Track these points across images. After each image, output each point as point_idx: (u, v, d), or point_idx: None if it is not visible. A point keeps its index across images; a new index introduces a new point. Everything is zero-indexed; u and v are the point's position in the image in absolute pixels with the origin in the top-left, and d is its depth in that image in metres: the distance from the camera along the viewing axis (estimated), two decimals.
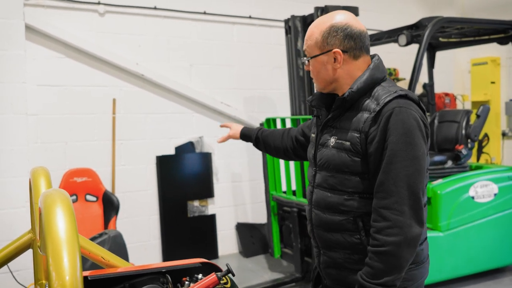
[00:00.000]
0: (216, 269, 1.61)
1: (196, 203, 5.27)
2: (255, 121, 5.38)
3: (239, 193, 5.58)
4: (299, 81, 4.47)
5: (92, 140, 4.76)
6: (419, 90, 6.00)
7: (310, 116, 3.66)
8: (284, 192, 4.52)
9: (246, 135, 2.40)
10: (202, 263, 1.60)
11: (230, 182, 5.52)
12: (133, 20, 4.95)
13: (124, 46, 4.90)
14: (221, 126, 2.58)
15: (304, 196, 4.12)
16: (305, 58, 1.77)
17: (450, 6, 7.22)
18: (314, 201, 1.78)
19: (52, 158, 4.55)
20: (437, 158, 4.44)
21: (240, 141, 2.50)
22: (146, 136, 5.03)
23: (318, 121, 1.85)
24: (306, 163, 3.92)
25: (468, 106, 7.17)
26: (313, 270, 1.99)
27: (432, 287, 4.07)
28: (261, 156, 4.76)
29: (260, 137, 2.32)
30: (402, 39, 4.31)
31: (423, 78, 5.60)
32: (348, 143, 1.65)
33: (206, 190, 5.32)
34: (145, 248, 5.00)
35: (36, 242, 1.63)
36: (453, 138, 4.63)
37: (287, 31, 4.62)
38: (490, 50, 6.77)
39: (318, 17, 4.15)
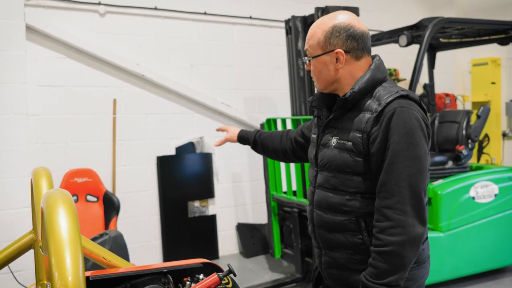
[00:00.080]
0: (217, 269, 1.61)
1: (196, 203, 5.27)
2: (256, 122, 5.38)
3: (239, 194, 5.58)
4: (300, 81, 4.47)
5: (93, 141, 4.76)
6: (419, 90, 6.00)
7: (311, 117, 3.67)
8: (285, 193, 4.52)
9: (243, 138, 2.38)
10: (203, 263, 1.60)
11: (230, 182, 5.53)
12: (133, 21, 4.96)
13: (125, 47, 4.90)
14: (217, 130, 2.56)
15: (305, 196, 4.12)
16: (306, 57, 1.78)
17: (450, 7, 7.22)
18: (316, 202, 1.78)
19: (53, 158, 4.55)
20: (438, 158, 4.44)
21: None
22: (147, 137, 5.03)
23: (319, 122, 1.85)
24: (306, 163, 3.92)
25: (468, 106, 7.17)
26: (313, 271, 1.99)
27: None
28: (261, 156, 4.76)
29: (258, 140, 2.31)
30: (403, 39, 4.32)
31: (424, 78, 5.60)
32: (350, 143, 1.66)
33: (206, 191, 5.32)
34: (145, 249, 5.00)
35: (38, 243, 1.63)
36: (453, 138, 4.64)
37: (288, 32, 4.62)
38: (490, 51, 6.78)
39: (318, 17, 4.15)
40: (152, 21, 5.04)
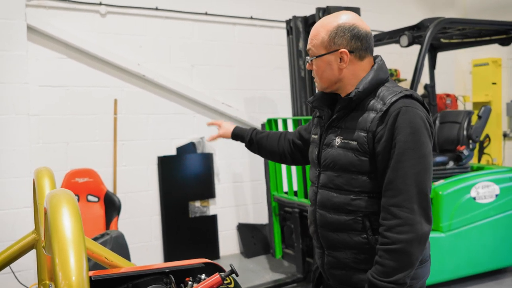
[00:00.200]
0: (219, 269, 1.61)
1: (197, 203, 5.27)
2: (256, 122, 5.38)
3: (240, 194, 5.59)
4: (301, 81, 4.47)
5: (94, 141, 4.76)
6: (420, 91, 6.00)
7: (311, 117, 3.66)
8: (286, 193, 4.52)
9: (238, 135, 2.33)
10: (205, 263, 1.60)
11: (231, 182, 5.53)
12: (134, 21, 4.96)
13: (126, 47, 4.90)
14: (209, 124, 2.49)
15: (306, 196, 4.12)
16: (309, 57, 1.78)
17: (451, 7, 7.22)
18: (319, 202, 1.78)
19: (54, 158, 4.56)
20: (439, 159, 4.44)
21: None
22: (148, 137, 5.03)
23: (321, 122, 1.85)
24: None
25: (469, 107, 7.17)
26: (313, 271, 1.99)
27: None
28: None
29: (255, 139, 2.26)
30: (404, 40, 4.32)
31: (424, 79, 5.60)
32: (354, 142, 1.66)
33: (207, 191, 5.32)
34: (146, 249, 5.00)
35: (40, 243, 1.63)
36: (454, 139, 4.64)
37: (289, 32, 4.62)
38: (491, 51, 6.77)
39: (319, 17, 4.16)
40: (153, 21, 5.05)
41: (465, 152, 4.48)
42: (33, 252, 1.80)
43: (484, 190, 4.22)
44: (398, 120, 1.59)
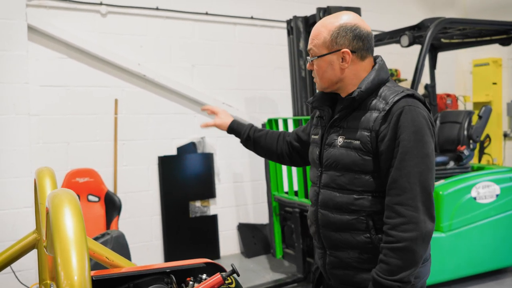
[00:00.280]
0: (220, 269, 1.61)
1: (198, 203, 5.27)
2: (257, 122, 5.38)
3: (241, 194, 5.59)
4: (301, 81, 4.47)
5: (94, 141, 4.76)
6: (420, 91, 6.00)
7: None
8: (286, 193, 4.52)
9: (234, 130, 2.23)
10: (206, 263, 1.60)
11: (232, 182, 5.53)
12: (135, 21, 4.96)
13: (126, 47, 4.90)
14: (203, 109, 2.36)
15: (306, 196, 4.12)
16: (310, 57, 1.78)
17: (451, 7, 7.22)
18: (321, 202, 1.78)
19: (54, 158, 4.56)
20: (439, 159, 4.44)
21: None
22: (148, 137, 5.03)
23: (322, 122, 1.85)
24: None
25: (469, 107, 7.17)
26: (313, 272, 1.99)
27: None
28: None
29: (252, 137, 2.20)
30: (404, 40, 4.32)
31: (425, 79, 5.60)
32: (357, 142, 1.67)
33: (208, 191, 5.32)
34: (147, 248, 5.00)
35: (41, 242, 1.63)
36: (455, 139, 4.64)
37: (289, 32, 4.62)
38: (491, 51, 6.77)
39: (320, 17, 4.16)
40: (153, 21, 5.05)
41: (466, 152, 4.48)
42: (33, 252, 1.80)
43: (484, 190, 4.22)
44: (401, 119, 1.60)
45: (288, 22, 4.62)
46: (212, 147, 5.34)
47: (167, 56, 5.13)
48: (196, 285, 1.52)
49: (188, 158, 5.22)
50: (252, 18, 5.57)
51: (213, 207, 5.38)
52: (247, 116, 5.47)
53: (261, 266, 5.03)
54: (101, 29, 4.79)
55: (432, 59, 5.32)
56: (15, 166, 4.17)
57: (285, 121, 4.38)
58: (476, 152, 6.25)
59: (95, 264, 1.99)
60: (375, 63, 1.76)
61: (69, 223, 0.96)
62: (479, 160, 6.37)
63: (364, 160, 1.66)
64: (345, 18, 1.71)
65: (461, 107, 7.01)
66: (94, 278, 1.44)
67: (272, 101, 5.73)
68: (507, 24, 4.52)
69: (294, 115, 4.61)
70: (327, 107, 1.82)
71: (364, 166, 1.66)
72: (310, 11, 4.55)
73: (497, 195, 4.28)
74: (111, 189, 4.75)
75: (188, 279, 1.56)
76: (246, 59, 5.56)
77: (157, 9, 5.02)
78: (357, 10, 4.08)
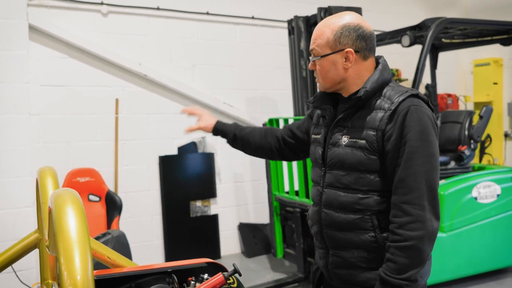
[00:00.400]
0: (222, 269, 1.61)
1: (198, 203, 5.27)
2: (258, 122, 5.38)
3: (241, 193, 5.59)
4: (302, 81, 4.47)
5: (95, 140, 4.76)
6: (421, 90, 6.00)
7: None
8: (287, 192, 4.52)
9: (220, 130, 2.23)
10: (207, 263, 1.60)
11: (232, 182, 5.53)
12: (136, 21, 4.96)
13: (127, 47, 4.90)
14: (183, 111, 2.31)
15: (307, 196, 4.12)
16: (312, 57, 1.78)
17: (452, 7, 7.22)
18: (325, 201, 1.78)
19: (55, 158, 4.56)
20: (440, 159, 4.41)
21: None
22: (149, 136, 5.03)
23: (324, 121, 1.85)
24: (309, 163, 3.92)
25: (470, 107, 7.17)
26: (313, 272, 1.98)
27: None
28: None
29: (238, 136, 2.18)
30: (406, 39, 4.32)
31: (426, 79, 5.60)
32: (363, 141, 1.67)
33: (208, 190, 5.32)
34: (148, 248, 5.00)
35: (43, 242, 1.63)
36: (455, 139, 4.64)
37: (290, 32, 4.62)
38: (492, 51, 6.77)
39: (321, 17, 4.17)
40: (154, 21, 5.05)
41: (467, 152, 4.48)
42: (34, 252, 1.80)
43: (485, 190, 4.22)
44: (407, 118, 1.61)
45: (289, 22, 4.62)
46: (213, 147, 5.34)
47: (168, 56, 5.13)
48: (198, 284, 1.52)
49: (189, 158, 5.22)
50: (253, 18, 5.57)
51: (214, 207, 5.38)
52: (248, 116, 5.48)
53: (262, 266, 5.03)
54: (102, 29, 4.79)
55: (433, 59, 5.31)
56: (16, 165, 4.17)
57: (286, 121, 4.38)
58: (477, 152, 6.25)
59: (97, 264, 1.98)
60: (378, 63, 1.77)
61: (72, 223, 0.96)
62: (480, 160, 6.37)
63: (369, 159, 1.66)
64: (348, 18, 1.72)
65: (462, 107, 7.00)
66: (96, 278, 1.43)
67: (273, 101, 5.73)
68: (508, 24, 4.51)
69: (295, 115, 4.61)
70: (329, 106, 1.82)
71: (370, 165, 1.67)
72: (311, 11, 4.55)
73: (498, 195, 4.28)
74: (112, 188, 4.75)
75: (189, 278, 1.56)
76: (247, 59, 5.56)
77: (158, 9, 5.02)
78: (358, 10, 4.08)
